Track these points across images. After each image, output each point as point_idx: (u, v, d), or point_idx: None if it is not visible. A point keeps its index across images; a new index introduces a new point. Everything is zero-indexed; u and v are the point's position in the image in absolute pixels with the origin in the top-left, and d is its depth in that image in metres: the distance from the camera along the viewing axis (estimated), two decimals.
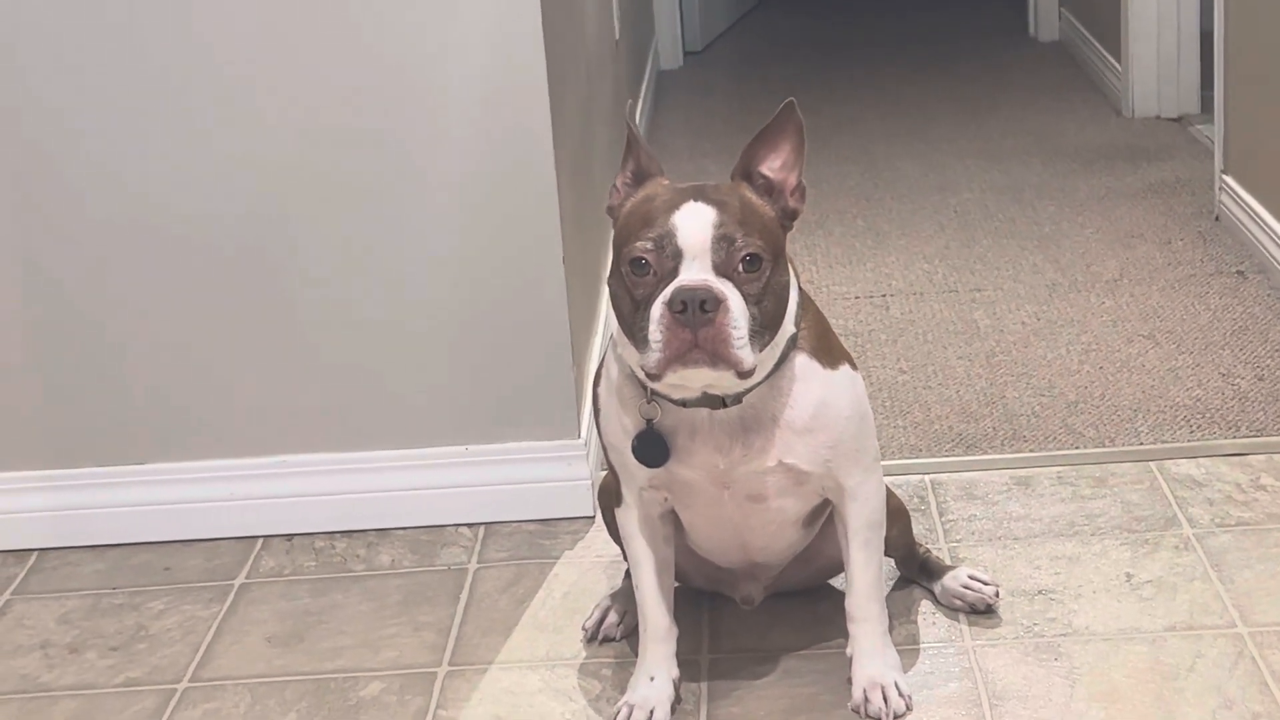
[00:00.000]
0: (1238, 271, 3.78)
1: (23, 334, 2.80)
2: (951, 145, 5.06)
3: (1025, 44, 6.46)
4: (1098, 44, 5.71)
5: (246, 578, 2.73)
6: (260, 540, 2.84)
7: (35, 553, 2.85)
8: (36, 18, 2.66)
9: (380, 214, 2.74)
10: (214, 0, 2.66)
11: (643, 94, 5.41)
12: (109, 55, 2.67)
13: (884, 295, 3.82)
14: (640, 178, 2.15)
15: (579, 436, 2.84)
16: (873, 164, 4.92)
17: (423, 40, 2.67)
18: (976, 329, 3.57)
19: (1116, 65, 5.36)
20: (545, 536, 2.79)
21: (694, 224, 2.01)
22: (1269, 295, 3.61)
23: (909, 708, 2.22)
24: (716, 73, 6.36)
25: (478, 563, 2.73)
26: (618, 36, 4.49)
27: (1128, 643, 2.35)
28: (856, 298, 3.81)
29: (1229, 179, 4.05)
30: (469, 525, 2.84)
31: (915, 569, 2.53)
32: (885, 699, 2.21)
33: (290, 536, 2.85)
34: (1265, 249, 3.73)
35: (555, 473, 2.83)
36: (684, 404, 2.12)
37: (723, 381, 2.05)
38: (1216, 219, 4.13)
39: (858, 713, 2.22)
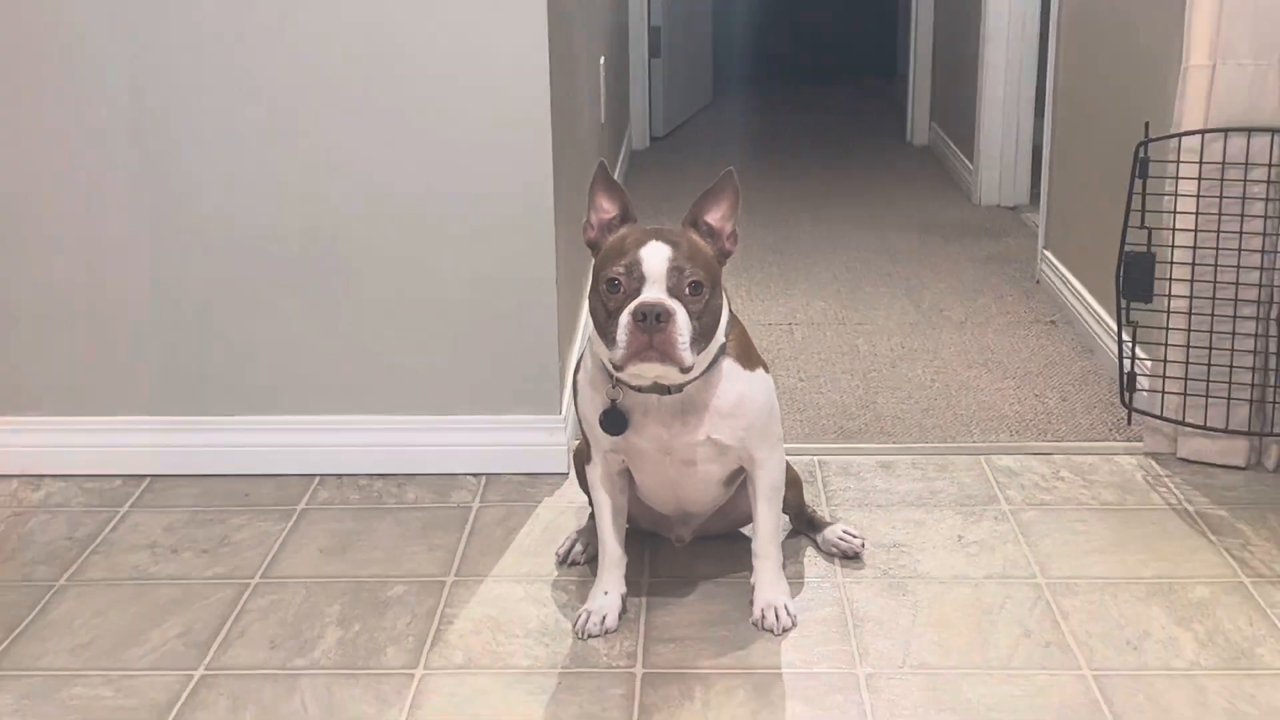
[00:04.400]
0: (1051, 321, 3.82)
1: (150, 315, 2.79)
2: (844, 217, 5.08)
3: (903, 146, 6.50)
4: (957, 149, 5.76)
5: (306, 505, 2.73)
6: (318, 478, 2.84)
7: (148, 478, 2.84)
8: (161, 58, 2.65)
9: (418, 249, 2.73)
10: (263, 38, 2.65)
11: (619, 166, 5.42)
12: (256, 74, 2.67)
13: (789, 324, 3.84)
14: (625, 221, 2.15)
15: (560, 413, 2.85)
16: (786, 228, 4.94)
17: (460, 116, 2.67)
18: (857, 352, 3.60)
19: (970, 165, 5.41)
20: (531, 486, 2.79)
21: (655, 257, 2.03)
22: (1073, 339, 3.65)
23: (794, 624, 2.24)
24: (675, 154, 6.35)
25: (480, 503, 2.73)
26: (603, 120, 4.50)
27: (957, 585, 2.38)
28: (769, 324, 3.83)
29: (1048, 253, 4.09)
30: (474, 475, 2.84)
31: (804, 524, 2.55)
32: (777, 617, 2.23)
33: (340, 476, 2.85)
34: (1072, 305, 3.77)
35: (540, 439, 2.84)
36: (640, 390, 2.13)
37: (669, 375, 2.06)
38: (1037, 282, 4.17)
39: (756, 626, 2.24)
